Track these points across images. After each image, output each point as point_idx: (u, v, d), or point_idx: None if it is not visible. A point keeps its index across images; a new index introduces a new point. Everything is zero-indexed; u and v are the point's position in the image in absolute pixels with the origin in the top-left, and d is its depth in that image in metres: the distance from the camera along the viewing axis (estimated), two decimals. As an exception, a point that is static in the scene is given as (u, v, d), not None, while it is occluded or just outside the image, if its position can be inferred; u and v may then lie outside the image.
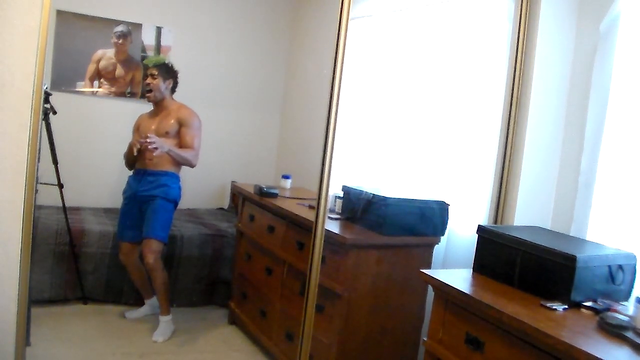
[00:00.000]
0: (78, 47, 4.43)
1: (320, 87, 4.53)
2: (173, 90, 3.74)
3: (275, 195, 3.49)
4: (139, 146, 3.46)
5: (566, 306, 1.84)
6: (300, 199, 3.55)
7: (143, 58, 4.67)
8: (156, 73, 3.63)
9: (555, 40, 2.61)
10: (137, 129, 3.75)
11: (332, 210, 3.11)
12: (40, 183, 2.80)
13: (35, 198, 2.18)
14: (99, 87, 4.56)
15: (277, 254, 3.23)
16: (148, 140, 3.34)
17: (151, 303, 3.80)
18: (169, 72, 3.69)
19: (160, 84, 3.64)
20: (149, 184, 3.57)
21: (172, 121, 3.61)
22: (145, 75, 3.71)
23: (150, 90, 3.64)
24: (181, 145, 3.59)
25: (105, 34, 4.51)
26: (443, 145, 3.13)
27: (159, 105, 3.68)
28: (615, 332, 1.63)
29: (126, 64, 4.62)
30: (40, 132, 2.20)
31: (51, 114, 3.31)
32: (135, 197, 3.60)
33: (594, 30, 2.47)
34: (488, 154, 2.82)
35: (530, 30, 2.61)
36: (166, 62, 3.86)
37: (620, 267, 1.98)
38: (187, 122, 3.63)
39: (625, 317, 1.73)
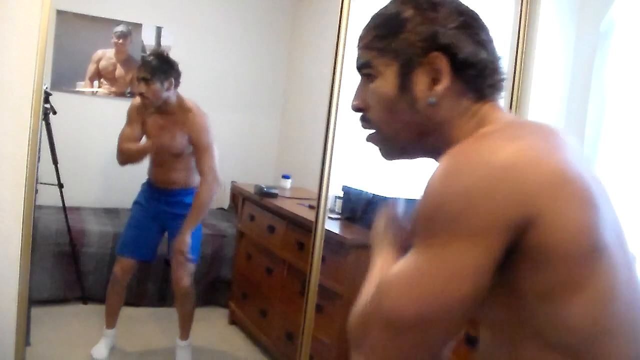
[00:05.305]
0: (78, 47, 4.43)
1: (320, 87, 4.52)
2: (177, 84, 2.98)
3: (275, 195, 3.49)
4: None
5: (566, 306, 1.83)
6: (300, 199, 3.55)
7: (143, 58, 4.66)
8: (149, 77, 2.83)
9: (556, 40, 2.61)
10: (141, 124, 3.09)
11: (332, 210, 3.11)
12: (40, 183, 2.80)
13: (35, 198, 2.18)
14: (99, 87, 4.56)
15: (277, 254, 3.23)
16: (185, 255, 3.00)
17: (111, 334, 3.20)
18: (166, 71, 2.88)
19: (158, 90, 2.87)
20: (175, 204, 3.18)
21: (184, 140, 3.01)
22: (138, 78, 2.89)
23: (147, 99, 2.90)
24: (197, 166, 3.07)
25: (105, 34, 4.51)
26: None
27: (162, 106, 3.00)
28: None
29: (126, 64, 4.61)
30: (40, 132, 2.19)
31: (51, 114, 3.30)
32: (157, 216, 3.18)
33: (594, 30, 2.47)
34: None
35: (530, 30, 2.61)
36: (162, 55, 3.04)
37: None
38: (202, 141, 2.99)
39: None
